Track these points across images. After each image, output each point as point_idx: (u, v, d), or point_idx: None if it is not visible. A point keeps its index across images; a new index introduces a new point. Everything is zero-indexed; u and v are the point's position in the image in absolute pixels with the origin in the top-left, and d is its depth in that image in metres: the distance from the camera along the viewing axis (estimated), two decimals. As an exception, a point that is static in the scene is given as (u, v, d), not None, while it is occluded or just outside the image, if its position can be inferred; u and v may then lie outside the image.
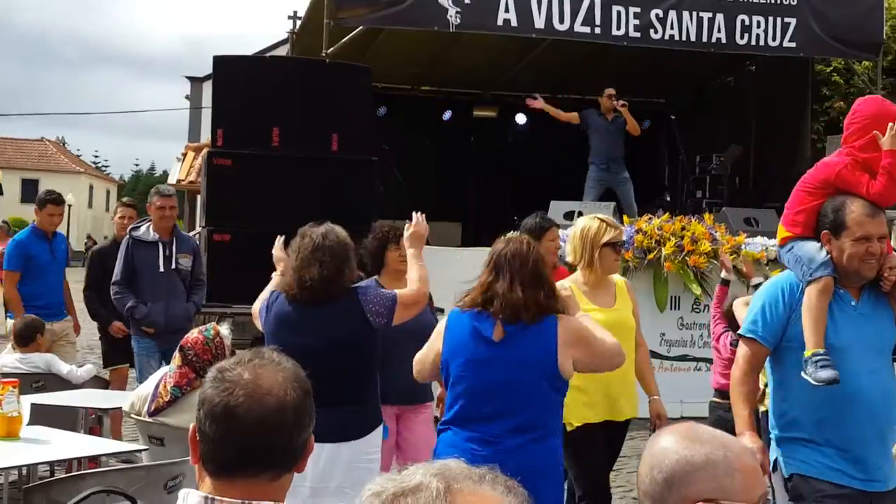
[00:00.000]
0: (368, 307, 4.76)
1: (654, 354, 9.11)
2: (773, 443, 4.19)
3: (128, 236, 8.10)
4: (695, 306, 10.67)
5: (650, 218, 11.02)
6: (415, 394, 5.70)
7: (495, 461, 4.01)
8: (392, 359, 5.36)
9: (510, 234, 4.67)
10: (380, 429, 4.97)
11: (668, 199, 15.08)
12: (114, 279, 8.03)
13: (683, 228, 10.74)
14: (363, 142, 10.34)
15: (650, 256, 10.54)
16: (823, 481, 3.97)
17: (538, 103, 12.63)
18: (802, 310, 4.02)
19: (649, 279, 10.52)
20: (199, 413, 2.20)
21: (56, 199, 8.87)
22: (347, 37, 11.42)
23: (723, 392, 6.85)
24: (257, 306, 5.10)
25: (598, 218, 5.50)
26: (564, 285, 5.12)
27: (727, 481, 1.97)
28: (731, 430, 6.46)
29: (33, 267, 8.66)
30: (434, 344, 4.46)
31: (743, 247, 10.66)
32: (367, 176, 10.32)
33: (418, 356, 4.59)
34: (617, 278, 5.59)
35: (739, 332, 4.26)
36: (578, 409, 5.20)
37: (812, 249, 4.08)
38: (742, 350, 4.21)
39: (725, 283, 7.12)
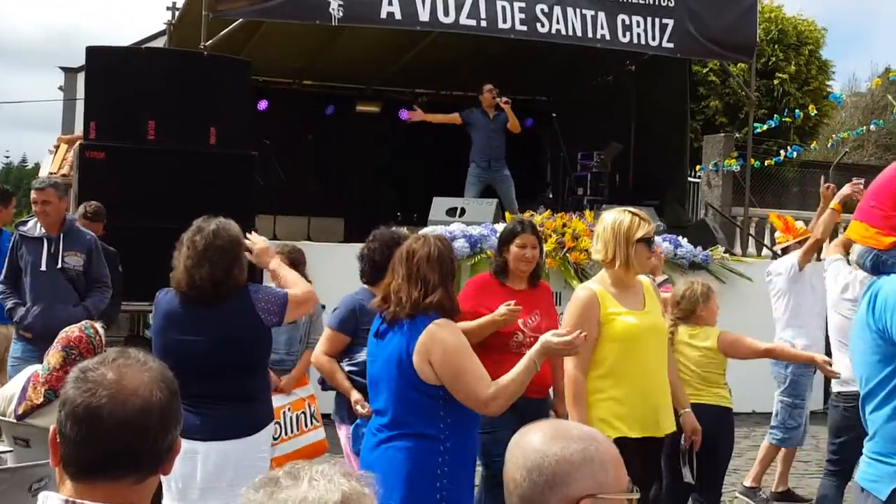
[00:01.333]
0: (260, 305, 4.68)
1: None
2: (887, 468, 3.69)
3: (15, 231, 7.57)
4: (575, 302, 10.74)
5: (532, 215, 11.10)
6: None
7: (375, 453, 4.10)
8: None
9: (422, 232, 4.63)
10: (271, 426, 4.91)
11: (551, 196, 15.22)
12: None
13: (564, 225, 10.86)
14: (242, 136, 10.21)
15: (531, 253, 10.68)
16: None
17: (417, 115, 12.63)
18: None
19: (531, 275, 10.60)
20: (59, 414, 2.11)
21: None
22: (227, 29, 11.22)
23: None
24: None
25: (629, 211, 5.00)
26: (591, 286, 4.87)
27: (602, 475, 1.99)
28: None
29: None
30: None
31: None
32: (247, 170, 10.18)
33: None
34: (643, 279, 5.12)
35: None
36: (613, 422, 4.76)
37: None
38: None
39: None
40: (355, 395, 5.30)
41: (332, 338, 5.56)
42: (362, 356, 5.10)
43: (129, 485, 2.09)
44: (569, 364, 4.77)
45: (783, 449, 7.89)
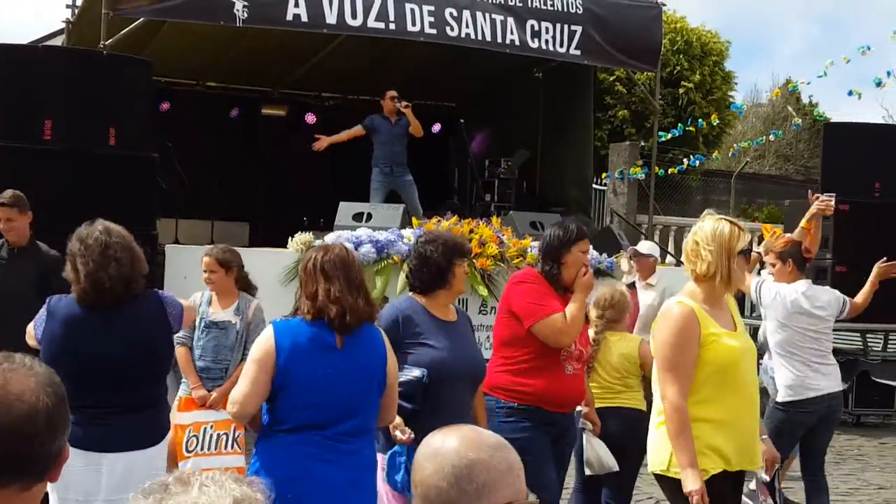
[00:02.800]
0: (170, 310, 4.60)
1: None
2: None
3: None
4: (482, 308, 10.74)
5: (439, 220, 11.06)
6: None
7: (340, 464, 4.07)
8: None
9: (324, 241, 4.55)
10: (169, 435, 4.83)
11: (457, 201, 15.21)
12: None
13: (472, 231, 10.83)
14: (143, 137, 9.93)
15: (438, 258, 10.69)
16: None
17: (323, 142, 12.61)
18: None
19: (438, 281, 10.56)
20: (-60, 422, 1.99)
21: None
22: (127, 28, 10.95)
23: None
24: (30, 326, 4.61)
25: (726, 219, 4.41)
26: (687, 302, 4.36)
27: (519, 483, 2.04)
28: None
29: None
30: (259, 373, 4.11)
31: (529, 250, 10.80)
32: (147, 173, 9.93)
33: (244, 391, 4.12)
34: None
35: None
36: (710, 454, 4.28)
37: None
38: None
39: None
40: (396, 420, 4.68)
41: None
42: (405, 375, 4.69)
43: (15, 493, 1.99)
44: (669, 390, 4.26)
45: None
